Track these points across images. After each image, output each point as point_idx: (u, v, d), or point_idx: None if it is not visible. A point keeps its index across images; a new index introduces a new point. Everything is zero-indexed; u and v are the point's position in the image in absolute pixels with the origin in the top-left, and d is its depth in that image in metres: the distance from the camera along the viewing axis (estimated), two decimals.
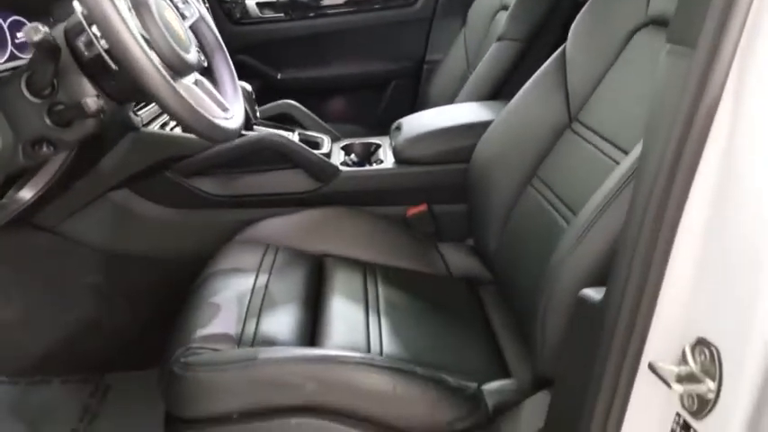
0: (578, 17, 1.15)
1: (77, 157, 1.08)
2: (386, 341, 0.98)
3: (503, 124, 1.22)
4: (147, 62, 0.75)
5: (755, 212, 0.49)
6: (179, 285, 1.13)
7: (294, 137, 1.48)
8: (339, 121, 2.12)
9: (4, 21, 0.97)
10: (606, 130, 0.98)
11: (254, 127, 1.43)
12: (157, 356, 0.92)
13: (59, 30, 0.86)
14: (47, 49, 0.78)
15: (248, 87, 1.40)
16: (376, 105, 2.34)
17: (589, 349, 0.63)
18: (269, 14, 2.21)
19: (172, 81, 0.77)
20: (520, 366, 0.97)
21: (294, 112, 1.59)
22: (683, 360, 0.55)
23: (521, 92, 1.20)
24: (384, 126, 2.25)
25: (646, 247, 0.57)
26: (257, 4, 2.19)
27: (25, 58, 0.82)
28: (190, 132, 0.87)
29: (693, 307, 0.56)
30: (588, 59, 1.09)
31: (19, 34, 0.99)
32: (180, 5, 1.02)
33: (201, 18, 1.07)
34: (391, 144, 1.44)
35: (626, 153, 0.86)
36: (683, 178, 0.55)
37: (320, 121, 1.59)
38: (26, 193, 1.06)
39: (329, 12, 2.23)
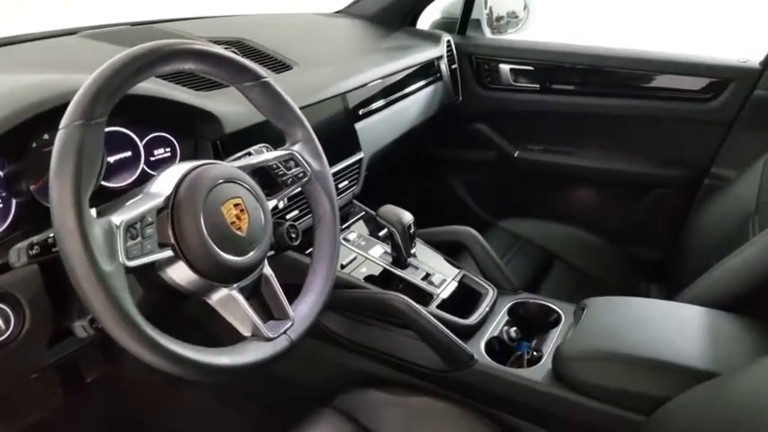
0: None
1: None
2: None
3: (706, 398, 0.76)
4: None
5: None
6: (293, 407, 1.10)
7: (454, 281, 1.21)
8: (570, 223, 1.73)
9: (141, 139, 0.94)
10: None
11: (408, 261, 1.21)
12: None
13: None
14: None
15: (408, 218, 1.18)
16: (624, 215, 1.85)
17: None
18: (522, 83, 1.90)
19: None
20: None
21: (470, 243, 1.29)
22: None
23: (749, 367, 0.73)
24: (630, 242, 1.78)
25: None
26: (511, 70, 1.89)
27: (154, 174, 0.75)
28: None
29: None
30: None
31: (156, 152, 0.96)
32: (287, 171, 0.86)
33: (316, 178, 0.89)
34: (571, 326, 1.07)
35: None
36: None
37: (499, 261, 1.26)
38: None
39: (598, 91, 1.80)
